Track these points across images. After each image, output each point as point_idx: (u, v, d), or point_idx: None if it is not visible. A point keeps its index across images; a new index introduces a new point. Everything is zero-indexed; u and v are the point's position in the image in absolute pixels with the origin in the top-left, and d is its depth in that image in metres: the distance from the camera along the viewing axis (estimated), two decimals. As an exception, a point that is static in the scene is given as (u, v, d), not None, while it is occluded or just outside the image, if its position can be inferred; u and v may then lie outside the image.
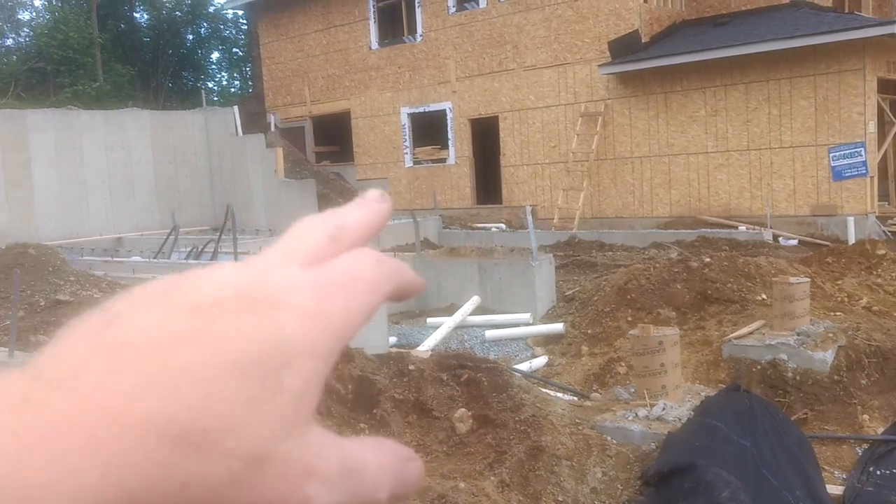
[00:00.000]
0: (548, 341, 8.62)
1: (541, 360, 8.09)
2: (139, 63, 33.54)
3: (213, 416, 0.29)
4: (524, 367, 7.72)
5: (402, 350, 7.38)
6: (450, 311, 9.66)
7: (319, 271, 0.35)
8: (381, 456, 0.36)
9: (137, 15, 37.36)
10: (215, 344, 0.30)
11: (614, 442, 4.92)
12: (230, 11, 34.23)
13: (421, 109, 21.15)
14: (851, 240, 12.98)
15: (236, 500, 0.30)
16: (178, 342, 0.30)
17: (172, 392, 0.29)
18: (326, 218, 0.38)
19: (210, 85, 40.87)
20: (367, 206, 0.40)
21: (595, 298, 8.66)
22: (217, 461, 0.29)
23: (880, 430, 5.43)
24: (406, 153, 21.65)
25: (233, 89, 40.40)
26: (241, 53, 39.12)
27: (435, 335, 8.77)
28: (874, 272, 8.25)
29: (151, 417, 0.28)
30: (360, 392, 5.80)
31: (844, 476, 4.96)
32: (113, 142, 19.10)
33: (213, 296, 0.32)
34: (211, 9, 37.68)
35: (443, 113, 20.69)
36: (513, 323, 9.11)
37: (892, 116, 16.27)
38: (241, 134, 20.56)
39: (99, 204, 18.71)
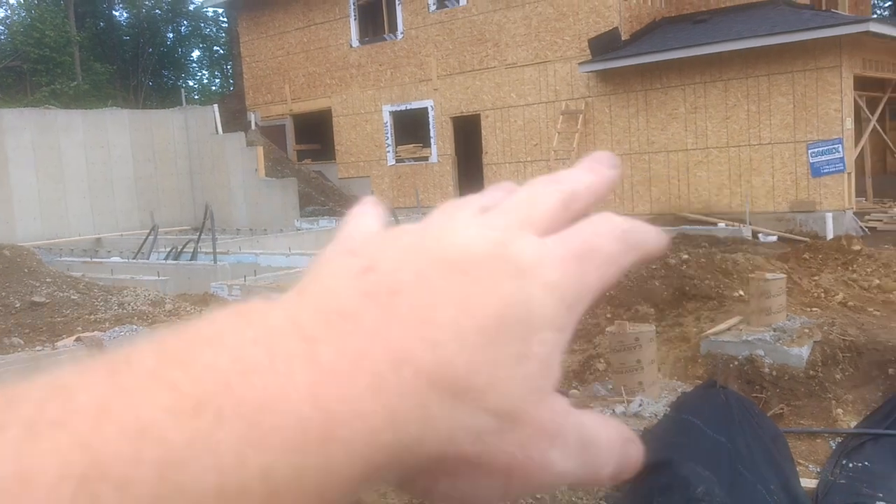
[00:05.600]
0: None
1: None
2: (119, 62, 33.28)
3: (477, 373, 0.30)
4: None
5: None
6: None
7: (559, 242, 0.35)
8: (609, 433, 0.36)
9: (116, 13, 37.09)
10: (474, 304, 0.31)
11: (591, 439, 4.94)
12: (210, 9, 34.02)
13: (402, 107, 21.13)
14: (830, 236, 13.10)
15: (486, 457, 0.31)
16: (441, 296, 0.31)
17: (443, 345, 0.30)
18: (558, 182, 0.38)
19: (191, 83, 40.63)
20: (597, 172, 0.39)
21: (575, 296, 8.69)
22: (477, 416, 0.30)
23: (853, 423, 5.49)
24: (388, 151, 21.62)
25: (214, 87, 40.19)
26: (221, 51, 38.92)
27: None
28: (850, 268, 8.34)
29: (426, 368, 0.29)
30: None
31: (818, 469, 5.01)
32: (92, 141, 18.95)
33: (466, 256, 0.32)
34: (191, 7, 37.47)
35: (424, 111, 20.68)
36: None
37: (868, 113, 16.44)
38: (220, 133, 20.45)
39: (78, 204, 18.55)
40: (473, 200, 0.38)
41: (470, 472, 0.31)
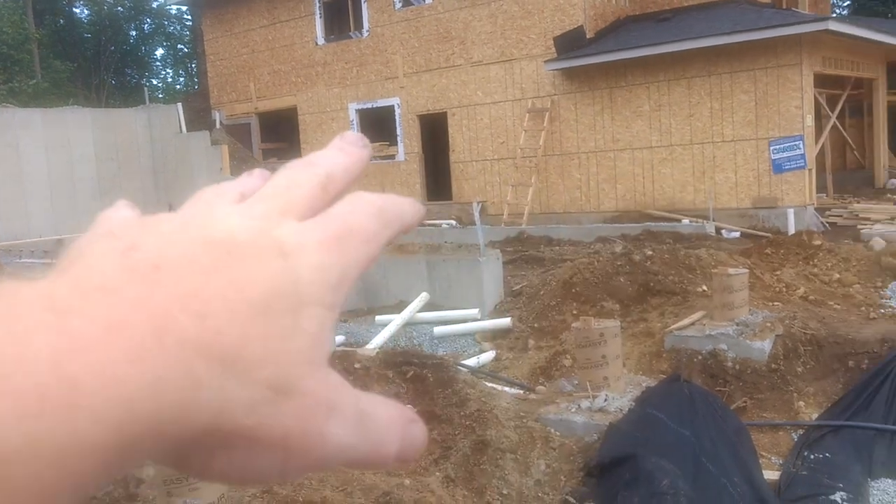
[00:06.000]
0: (496, 336, 8.66)
1: (489, 355, 8.13)
2: (80, 60, 32.75)
3: (248, 345, 0.30)
4: (472, 362, 7.74)
5: (349, 349, 7.35)
6: (398, 308, 9.64)
7: (319, 225, 0.35)
8: (390, 411, 0.36)
9: (77, 10, 36.48)
10: (240, 280, 0.31)
11: (558, 434, 4.96)
12: (174, 7, 33.59)
13: (369, 105, 21.06)
14: (791, 231, 13.29)
15: (262, 429, 0.31)
16: (207, 273, 0.31)
17: (211, 317, 0.30)
18: (314, 165, 0.38)
19: (154, 82, 40.13)
20: (350, 153, 0.40)
21: (541, 293, 8.73)
22: (250, 387, 0.30)
23: (815, 415, 5.58)
24: (354, 150, 21.52)
25: (178, 86, 39.72)
26: (186, 50, 38.47)
27: (383, 333, 8.74)
28: (811, 263, 8.47)
29: (192, 337, 0.29)
30: (305, 391, 5.75)
31: (781, 461, 5.08)
32: (52, 141, 18.62)
33: (230, 239, 0.33)
34: (154, 4, 36.98)
35: (391, 109, 20.63)
36: (461, 319, 9.13)
37: (828, 110, 16.71)
38: (185, 131, 20.22)
39: (39, 205, 18.23)
40: (231, 187, 0.38)
41: (247, 446, 0.31)
